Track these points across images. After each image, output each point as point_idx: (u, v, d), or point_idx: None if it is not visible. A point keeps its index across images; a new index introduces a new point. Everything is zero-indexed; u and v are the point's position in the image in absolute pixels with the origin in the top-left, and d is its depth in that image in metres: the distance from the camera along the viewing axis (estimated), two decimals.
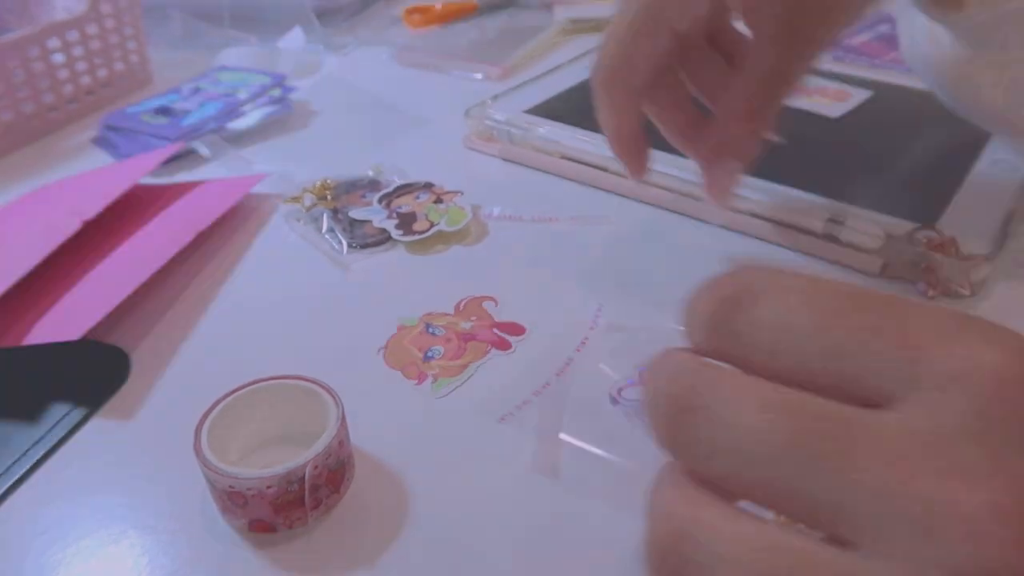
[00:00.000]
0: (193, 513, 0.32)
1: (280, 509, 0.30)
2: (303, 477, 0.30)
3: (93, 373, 0.40)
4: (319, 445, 0.30)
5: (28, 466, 0.34)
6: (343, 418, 0.32)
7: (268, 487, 0.29)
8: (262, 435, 0.34)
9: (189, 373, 0.39)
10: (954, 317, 0.18)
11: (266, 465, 0.30)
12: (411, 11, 0.86)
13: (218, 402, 0.32)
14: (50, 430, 0.36)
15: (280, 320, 0.43)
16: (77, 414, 0.37)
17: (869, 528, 0.16)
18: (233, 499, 0.30)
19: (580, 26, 0.82)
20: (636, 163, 0.43)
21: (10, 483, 0.34)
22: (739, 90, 0.39)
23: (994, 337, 0.17)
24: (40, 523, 0.32)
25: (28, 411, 0.37)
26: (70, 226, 0.45)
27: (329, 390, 0.33)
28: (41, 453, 0.35)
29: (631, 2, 0.39)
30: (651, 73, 0.39)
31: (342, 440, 0.31)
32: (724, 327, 0.20)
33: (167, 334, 0.42)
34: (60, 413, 0.37)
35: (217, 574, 0.30)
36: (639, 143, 0.42)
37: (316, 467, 0.30)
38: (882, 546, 0.16)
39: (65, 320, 0.40)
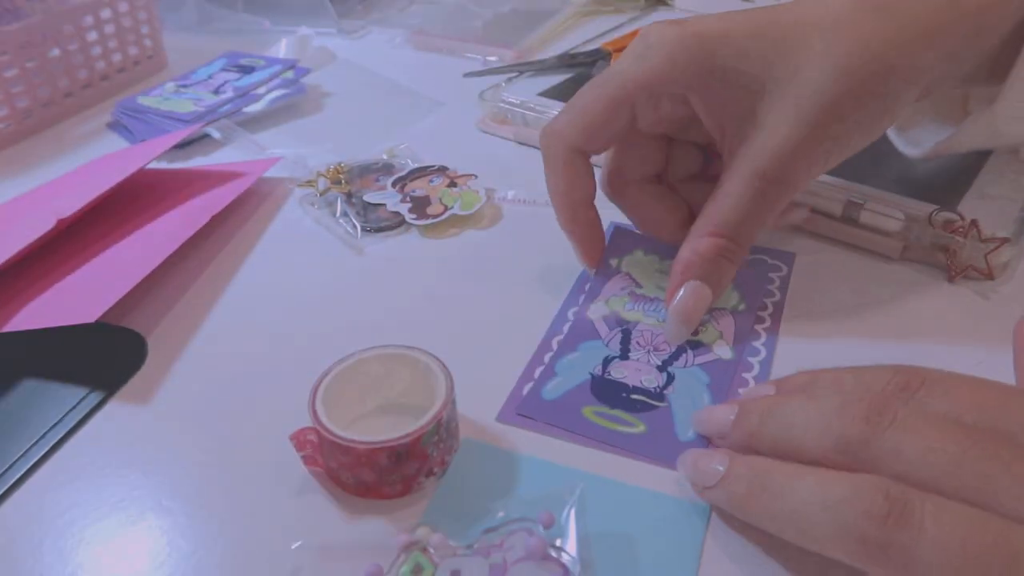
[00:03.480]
0: (211, 495, 0.32)
1: (385, 476, 0.30)
2: (415, 445, 0.30)
3: (110, 357, 0.40)
4: (429, 415, 0.30)
5: (46, 449, 0.34)
6: (452, 388, 0.32)
7: (383, 453, 0.30)
8: (365, 404, 0.35)
9: (205, 356, 0.40)
10: None
11: (373, 434, 0.30)
12: None
13: (329, 370, 0.33)
14: (67, 413, 0.36)
15: (295, 304, 0.43)
16: (94, 397, 0.37)
17: None
18: (346, 464, 0.30)
19: (598, 8, 0.81)
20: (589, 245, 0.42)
21: (28, 466, 0.34)
22: (709, 217, 0.37)
23: None
24: (58, 505, 0.32)
25: (45, 394, 0.37)
26: (79, 205, 0.45)
27: (437, 360, 0.33)
28: (59, 436, 0.35)
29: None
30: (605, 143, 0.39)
31: (450, 411, 0.32)
32: (864, 443, 0.25)
33: (183, 318, 0.42)
34: (77, 396, 0.37)
35: (235, 555, 0.30)
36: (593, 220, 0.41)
37: (426, 435, 0.30)
38: None
39: (81, 303, 0.40)
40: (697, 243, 0.37)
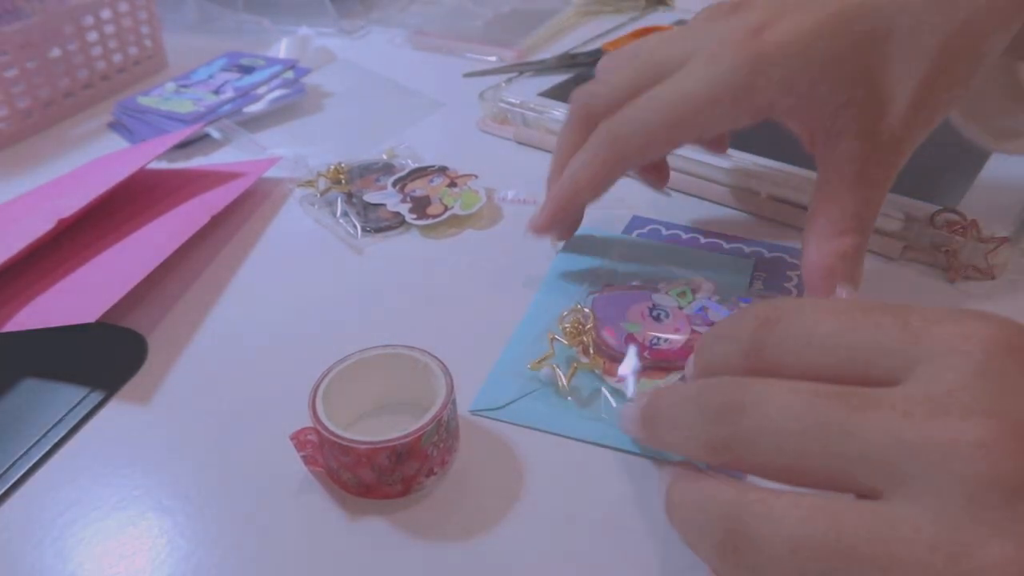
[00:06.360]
0: (210, 495, 0.32)
1: (385, 476, 0.30)
2: (415, 444, 0.30)
3: (110, 356, 0.40)
4: (429, 415, 0.30)
5: (46, 449, 0.34)
6: (452, 388, 0.32)
7: (383, 453, 0.30)
8: (365, 404, 0.35)
9: (205, 356, 0.40)
10: (949, 309, 0.22)
11: (373, 434, 0.30)
12: None
13: (330, 370, 0.33)
14: (68, 413, 0.36)
15: (295, 304, 0.43)
16: (95, 397, 0.37)
17: (891, 476, 0.20)
18: (346, 464, 0.30)
19: (598, 8, 0.81)
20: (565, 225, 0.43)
21: (29, 465, 0.34)
22: (833, 215, 0.35)
23: (984, 316, 0.22)
24: (59, 505, 0.32)
25: (46, 394, 0.37)
26: (79, 205, 0.45)
27: (437, 360, 0.33)
28: (59, 436, 0.35)
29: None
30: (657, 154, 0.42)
31: (451, 411, 0.32)
32: (761, 342, 0.25)
33: (183, 318, 0.42)
34: (78, 396, 0.37)
35: (233, 554, 0.30)
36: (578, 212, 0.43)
37: (426, 435, 0.30)
38: (904, 489, 0.20)
39: (81, 303, 0.40)
40: (835, 244, 0.34)
